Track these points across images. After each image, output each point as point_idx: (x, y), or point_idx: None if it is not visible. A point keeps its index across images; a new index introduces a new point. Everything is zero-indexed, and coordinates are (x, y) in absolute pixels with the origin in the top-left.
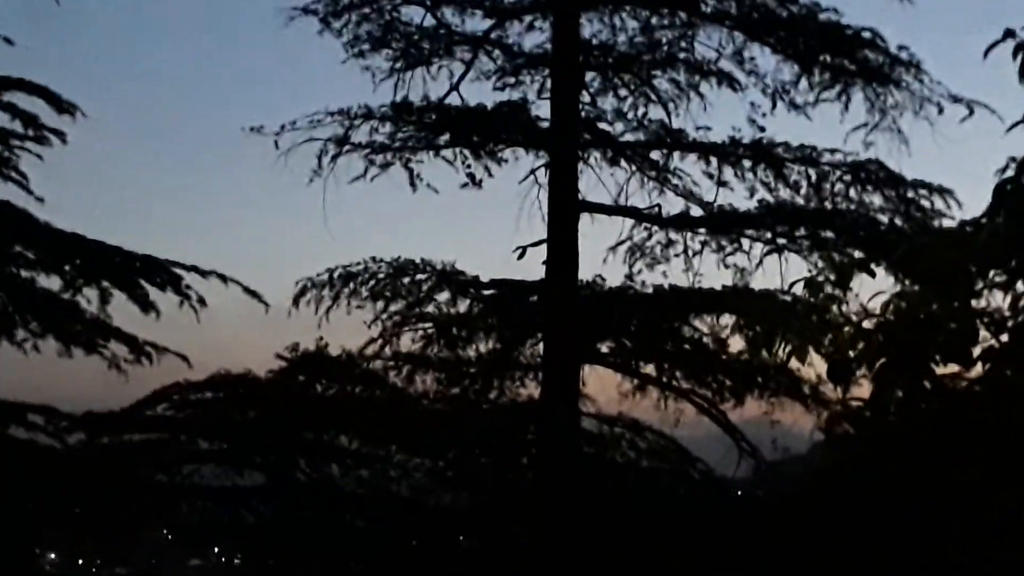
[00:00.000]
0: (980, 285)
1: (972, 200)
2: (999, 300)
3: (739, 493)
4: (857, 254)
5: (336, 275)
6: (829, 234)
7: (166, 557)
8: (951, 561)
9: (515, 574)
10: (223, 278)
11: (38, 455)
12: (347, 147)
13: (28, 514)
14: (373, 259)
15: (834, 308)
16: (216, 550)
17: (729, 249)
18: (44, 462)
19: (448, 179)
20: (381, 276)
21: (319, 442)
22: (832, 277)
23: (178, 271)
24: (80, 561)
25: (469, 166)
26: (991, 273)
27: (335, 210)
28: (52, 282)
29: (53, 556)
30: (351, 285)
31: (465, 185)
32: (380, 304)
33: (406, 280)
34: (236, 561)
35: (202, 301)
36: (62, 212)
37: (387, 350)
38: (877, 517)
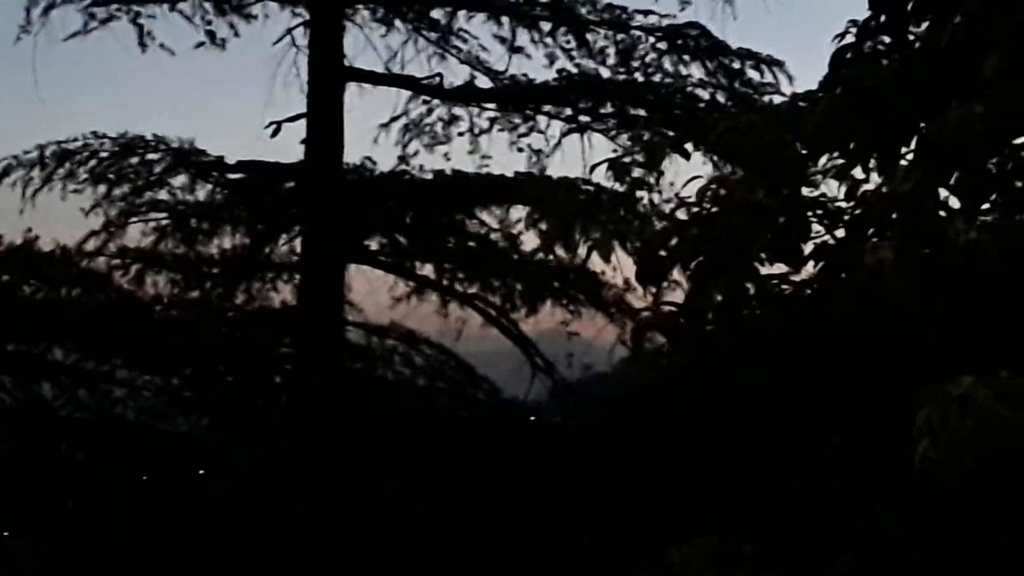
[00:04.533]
0: (812, 171)
1: (807, 74)
2: (834, 189)
3: (532, 418)
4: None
5: (48, 152)
6: (640, 111)
7: None
8: (779, 490)
9: (264, 512)
10: None
11: None
12: None
13: None
14: (95, 134)
15: (643, 197)
16: None
17: (523, 128)
18: None
19: (187, 40)
20: (104, 155)
21: (27, 356)
22: (640, 158)
23: None
24: None
25: (210, 22)
26: (825, 157)
27: (48, 76)
28: None
29: None
30: (67, 165)
31: (201, 44)
32: (102, 188)
33: (134, 160)
34: None
35: None
36: None
37: (111, 245)
38: (694, 446)
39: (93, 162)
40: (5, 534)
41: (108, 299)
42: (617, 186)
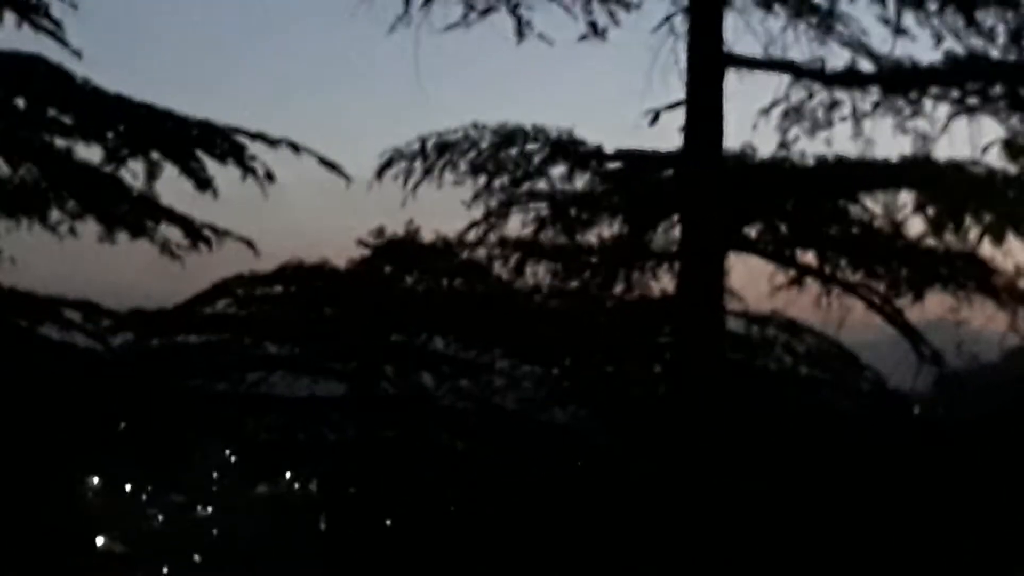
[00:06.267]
0: None
1: None
2: None
3: (917, 410)
4: None
5: (430, 144)
6: None
7: (229, 481)
8: None
9: (645, 505)
10: (295, 147)
11: (76, 359)
12: None
13: (65, 430)
14: (474, 125)
15: None
16: (288, 474)
17: (908, 111)
18: (83, 367)
19: (565, 29)
20: (484, 146)
21: (409, 346)
22: None
23: (241, 139)
24: (128, 487)
25: (591, 12)
26: None
27: (428, 67)
28: (92, 153)
29: (96, 480)
30: (447, 156)
31: (584, 37)
32: (482, 179)
33: (514, 151)
34: (311, 487)
35: (270, 176)
36: (103, 68)
37: (491, 235)
38: None
39: (473, 153)
40: (387, 522)
41: (488, 289)
42: (1010, 168)
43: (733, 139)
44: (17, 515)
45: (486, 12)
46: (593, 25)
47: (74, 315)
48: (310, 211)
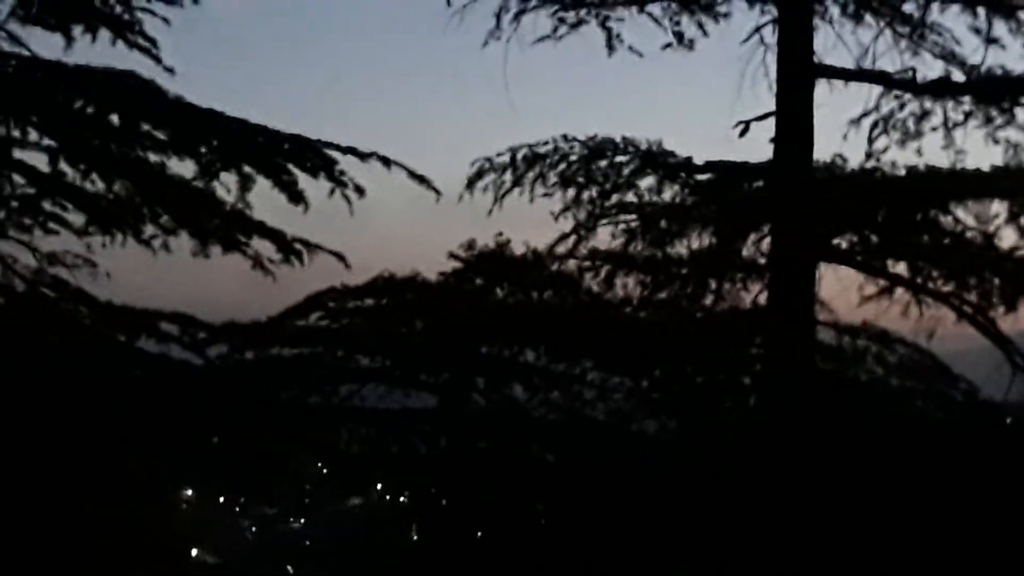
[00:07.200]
0: None
1: None
2: None
3: (1009, 420)
4: None
5: (520, 156)
6: None
7: (321, 494)
8: None
9: (735, 518)
10: (385, 161)
11: (171, 371)
12: (533, 2)
13: (159, 442)
14: (564, 137)
15: None
16: (379, 486)
17: (1000, 121)
18: (178, 379)
19: (655, 41)
20: (573, 158)
21: (500, 358)
22: None
23: (332, 153)
24: (221, 499)
25: (679, 23)
26: None
27: (519, 80)
28: (185, 167)
29: (189, 492)
30: (537, 168)
31: (668, 45)
32: (572, 192)
33: (603, 163)
34: (402, 499)
35: (360, 190)
36: (196, 85)
37: (581, 248)
38: None
39: (563, 165)
40: (479, 534)
41: (578, 301)
42: None
43: (823, 149)
44: (111, 525)
45: (576, 25)
46: (679, 35)
47: (170, 328)
48: (401, 224)
